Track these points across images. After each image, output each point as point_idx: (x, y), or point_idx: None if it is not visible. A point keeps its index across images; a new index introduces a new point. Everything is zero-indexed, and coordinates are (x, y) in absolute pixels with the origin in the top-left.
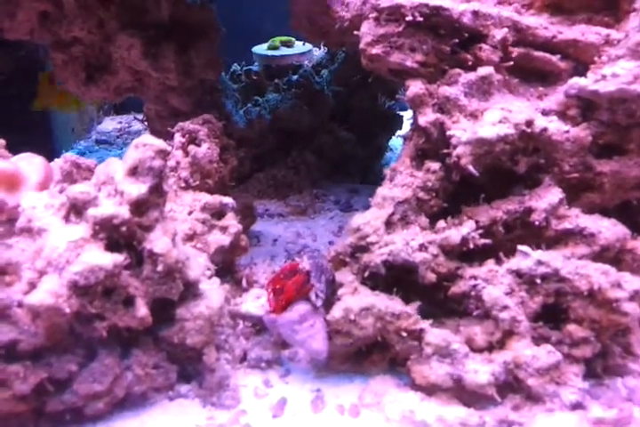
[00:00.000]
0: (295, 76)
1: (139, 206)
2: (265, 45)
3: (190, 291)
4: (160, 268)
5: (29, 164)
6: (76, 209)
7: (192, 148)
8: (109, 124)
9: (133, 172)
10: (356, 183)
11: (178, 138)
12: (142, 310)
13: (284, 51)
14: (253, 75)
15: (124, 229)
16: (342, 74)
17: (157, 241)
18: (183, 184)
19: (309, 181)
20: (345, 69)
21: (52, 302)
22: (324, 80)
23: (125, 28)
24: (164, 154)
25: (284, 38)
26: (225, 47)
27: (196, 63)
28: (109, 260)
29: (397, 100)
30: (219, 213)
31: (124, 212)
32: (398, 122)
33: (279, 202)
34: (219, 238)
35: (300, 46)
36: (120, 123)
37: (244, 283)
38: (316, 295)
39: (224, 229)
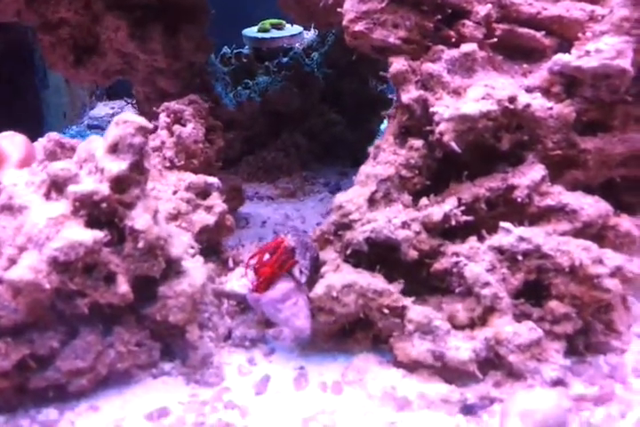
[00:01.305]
0: (285, 59)
1: (119, 183)
2: (255, 28)
3: (173, 268)
4: (141, 245)
5: (11, 142)
6: (56, 186)
7: (177, 128)
8: (102, 110)
9: (114, 149)
10: (346, 167)
11: (163, 118)
12: (123, 286)
13: (275, 33)
14: (243, 57)
15: (104, 205)
16: (332, 56)
17: (138, 218)
18: (168, 164)
19: (299, 163)
20: (335, 52)
21: (32, 277)
22: (315, 62)
23: (112, 9)
24: (144, 131)
25: (275, 21)
26: (215, 30)
27: (184, 45)
28: (89, 236)
29: (385, 80)
30: (204, 192)
31: (105, 188)
32: (389, 106)
33: (269, 185)
34: (203, 218)
35: (290, 29)
36: (113, 108)
37: (230, 263)
38: (300, 272)
39: (209, 209)
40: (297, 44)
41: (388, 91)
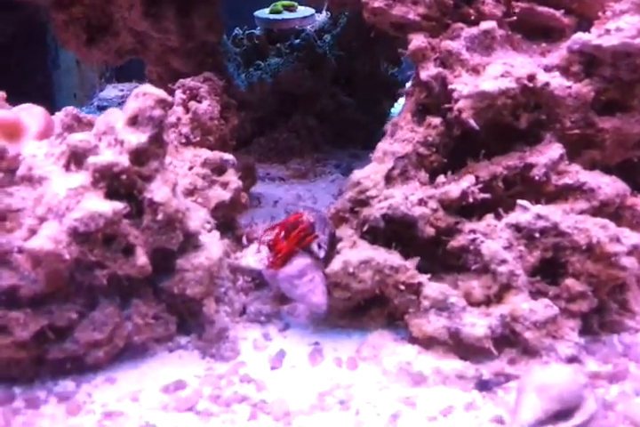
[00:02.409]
0: (297, 40)
1: (139, 156)
2: (267, 10)
3: (190, 242)
4: (160, 217)
5: (30, 114)
6: (76, 158)
7: (193, 104)
8: (111, 92)
9: (133, 121)
10: (357, 149)
11: (178, 94)
12: (142, 258)
13: (287, 15)
14: (255, 39)
15: (123, 177)
16: (345, 39)
17: (157, 191)
18: (184, 140)
19: (311, 144)
20: (347, 34)
21: (52, 247)
22: (327, 44)
23: None
24: (164, 104)
25: (287, 2)
26: (227, 11)
27: (197, 25)
28: (109, 207)
29: (397, 63)
30: (219, 168)
31: (124, 160)
32: (401, 89)
33: (280, 166)
34: (219, 194)
35: (302, 10)
36: (122, 90)
37: (244, 240)
38: (319, 246)
39: (224, 185)
40: (309, 26)
41: (400, 74)
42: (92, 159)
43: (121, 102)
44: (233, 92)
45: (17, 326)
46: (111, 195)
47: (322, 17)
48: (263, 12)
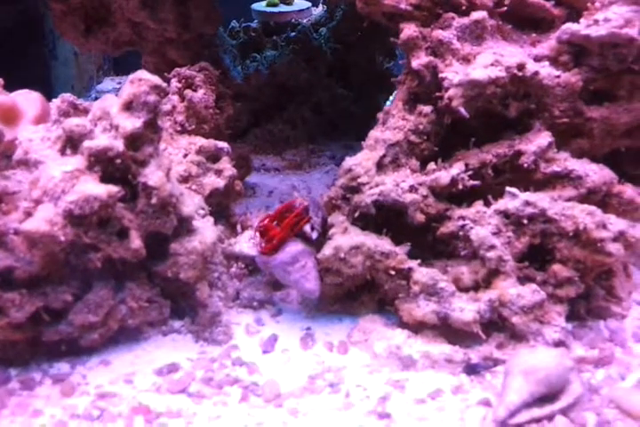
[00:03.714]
0: (293, 33)
1: (133, 140)
2: (264, 2)
3: (184, 226)
4: (154, 201)
5: (26, 99)
6: (71, 142)
7: (188, 92)
8: (109, 84)
9: (128, 106)
10: (351, 140)
11: (174, 83)
12: (136, 241)
13: (283, 8)
14: (252, 31)
15: (118, 161)
16: (340, 32)
17: (152, 175)
18: (179, 128)
19: (306, 136)
20: (343, 28)
21: (48, 229)
22: (322, 37)
23: None
24: (159, 90)
25: None
26: (224, 3)
27: (194, 16)
28: (104, 190)
29: (392, 57)
30: (214, 156)
31: (119, 144)
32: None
33: (275, 157)
34: (213, 181)
35: (298, 4)
36: (119, 83)
37: (238, 228)
38: (312, 228)
39: (219, 173)
40: (305, 19)
41: (395, 68)
42: (87, 143)
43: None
44: (229, 83)
45: (12, 308)
46: (106, 179)
47: (318, 10)
48: (260, 5)
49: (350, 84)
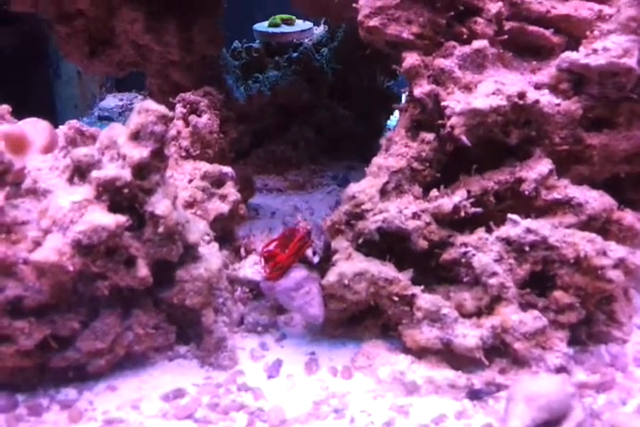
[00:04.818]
0: (295, 54)
1: (140, 170)
2: (266, 23)
3: (190, 253)
4: (161, 229)
5: (34, 128)
6: (79, 171)
7: (193, 118)
8: (111, 101)
9: (136, 136)
10: (353, 161)
11: (179, 108)
12: (143, 270)
13: (285, 28)
14: (254, 52)
15: (126, 191)
16: (341, 52)
17: (158, 204)
18: (184, 153)
19: (307, 156)
20: (344, 48)
21: (57, 259)
22: (324, 58)
23: (128, 2)
24: (165, 119)
25: (285, 16)
26: (226, 24)
27: (198, 38)
28: (112, 220)
29: (393, 76)
30: (218, 181)
31: (127, 174)
32: (397, 102)
33: (277, 177)
34: (218, 206)
35: (300, 24)
36: (122, 100)
37: (242, 251)
38: (314, 252)
39: (223, 198)
40: (306, 40)
41: (396, 87)
42: (95, 173)
43: (121, 112)
44: (232, 104)
45: (21, 335)
46: (114, 208)
47: (319, 30)
48: (262, 26)
49: (352, 104)
